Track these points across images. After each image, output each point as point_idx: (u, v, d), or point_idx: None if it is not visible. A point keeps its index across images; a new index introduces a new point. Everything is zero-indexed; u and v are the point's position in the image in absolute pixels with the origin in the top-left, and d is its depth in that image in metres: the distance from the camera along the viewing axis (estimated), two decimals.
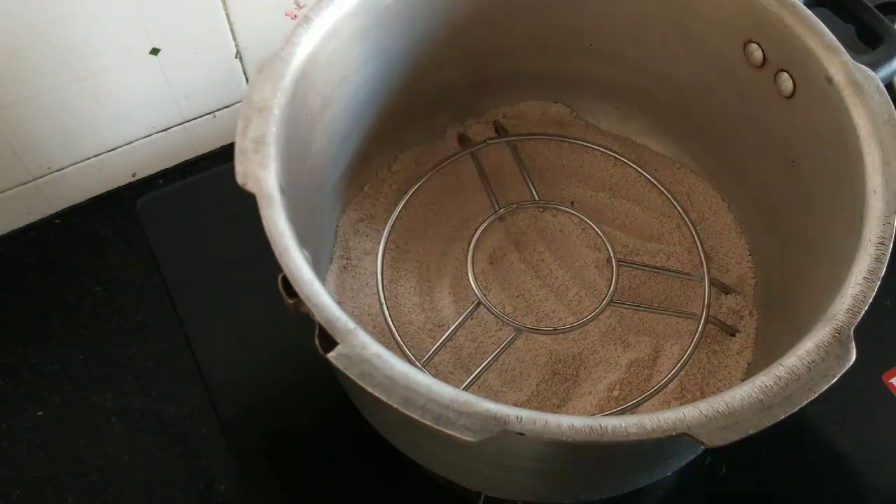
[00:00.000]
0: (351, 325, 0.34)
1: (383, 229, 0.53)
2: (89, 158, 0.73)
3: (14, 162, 0.69)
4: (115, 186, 0.77)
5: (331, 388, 0.52)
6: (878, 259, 0.37)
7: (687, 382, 0.51)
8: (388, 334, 0.50)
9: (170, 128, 0.75)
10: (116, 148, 0.74)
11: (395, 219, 0.54)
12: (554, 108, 0.61)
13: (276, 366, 0.55)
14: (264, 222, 0.36)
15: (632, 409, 0.48)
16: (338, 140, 0.49)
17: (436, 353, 0.49)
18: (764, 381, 0.33)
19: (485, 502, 0.48)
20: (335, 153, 0.49)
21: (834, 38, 0.42)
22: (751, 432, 0.32)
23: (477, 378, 0.48)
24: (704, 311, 0.51)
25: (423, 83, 0.53)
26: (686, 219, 0.56)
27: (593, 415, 0.49)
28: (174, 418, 0.67)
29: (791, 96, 0.45)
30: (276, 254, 0.36)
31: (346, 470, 0.51)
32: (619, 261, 0.52)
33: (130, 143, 0.74)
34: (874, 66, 0.44)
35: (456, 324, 0.50)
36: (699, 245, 0.54)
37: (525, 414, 0.32)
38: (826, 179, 0.44)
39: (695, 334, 0.51)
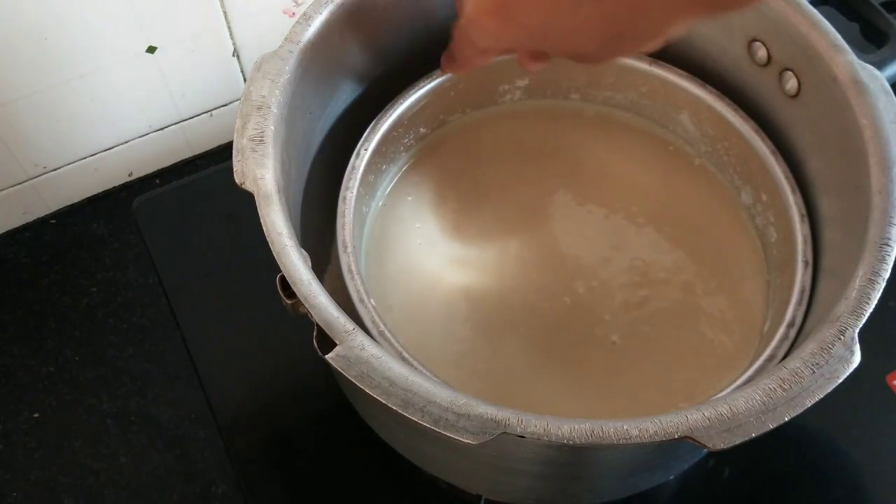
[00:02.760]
0: (350, 325, 0.34)
1: None
2: (85, 158, 0.73)
3: (9, 161, 0.69)
4: (111, 186, 0.77)
5: (330, 390, 0.51)
6: (882, 260, 0.36)
7: None
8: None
9: (166, 127, 0.74)
10: (113, 147, 0.73)
11: None
12: None
13: (274, 367, 0.55)
14: (262, 222, 0.36)
15: None
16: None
17: None
18: (767, 383, 0.33)
19: None
20: (336, 152, 0.49)
21: (839, 36, 0.42)
22: (754, 435, 0.32)
23: None
24: None
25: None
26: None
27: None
28: (171, 420, 0.66)
29: (796, 95, 0.45)
30: (275, 254, 0.35)
31: (345, 473, 0.50)
32: None
33: (127, 142, 0.74)
34: (880, 65, 0.44)
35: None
36: None
37: (525, 416, 0.32)
38: (830, 180, 0.44)
39: None
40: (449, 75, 0.49)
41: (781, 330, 0.41)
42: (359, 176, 0.45)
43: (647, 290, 0.48)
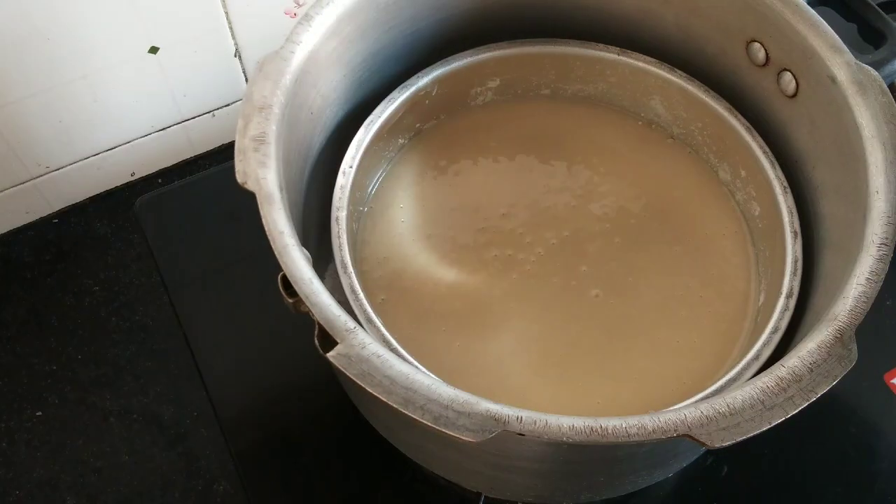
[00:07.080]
0: (351, 324, 0.34)
1: None
2: (88, 157, 0.73)
3: (12, 161, 0.69)
4: (113, 186, 0.77)
5: (331, 388, 0.51)
6: (880, 259, 0.37)
7: None
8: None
9: (169, 127, 0.75)
10: (115, 147, 0.74)
11: None
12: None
13: (275, 365, 0.55)
14: (264, 221, 0.36)
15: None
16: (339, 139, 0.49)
17: None
18: (765, 381, 0.33)
19: (485, 503, 0.48)
20: (336, 152, 0.49)
21: (837, 37, 0.42)
22: (752, 433, 0.32)
23: None
24: None
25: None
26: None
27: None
28: (173, 419, 0.67)
29: (794, 96, 0.45)
30: (276, 253, 0.35)
31: (346, 470, 0.51)
32: None
33: (129, 142, 0.74)
34: (877, 65, 0.44)
35: None
36: None
37: (525, 414, 0.32)
38: (828, 180, 0.44)
39: None
40: (423, 83, 0.49)
41: (781, 301, 0.42)
42: (347, 195, 0.46)
43: (620, 238, 0.49)
